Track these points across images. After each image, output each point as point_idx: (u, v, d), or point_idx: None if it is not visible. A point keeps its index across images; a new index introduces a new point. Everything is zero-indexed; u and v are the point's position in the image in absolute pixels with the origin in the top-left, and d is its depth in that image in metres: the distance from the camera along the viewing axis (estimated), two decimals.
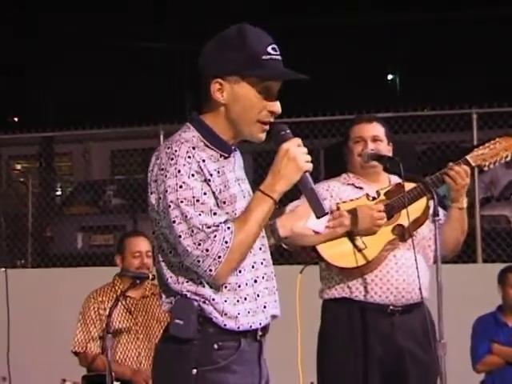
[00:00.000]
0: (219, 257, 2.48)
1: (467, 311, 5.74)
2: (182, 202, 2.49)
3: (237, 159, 2.70)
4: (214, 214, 2.50)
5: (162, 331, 2.69)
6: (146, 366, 4.84)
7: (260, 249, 2.65)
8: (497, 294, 5.58)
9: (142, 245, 4.99)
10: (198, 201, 2.49)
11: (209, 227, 2.48)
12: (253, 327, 2.59)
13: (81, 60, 17.83)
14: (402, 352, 3.80)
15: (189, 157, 2.51)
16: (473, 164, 3.83)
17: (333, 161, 4.28)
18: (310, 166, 2.54)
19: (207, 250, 2.47)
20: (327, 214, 2.58)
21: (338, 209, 3.47)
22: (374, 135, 3.93)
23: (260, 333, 2.63)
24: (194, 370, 2.52)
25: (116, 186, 11.11)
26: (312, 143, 10.01)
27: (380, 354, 3.79)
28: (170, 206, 2.50)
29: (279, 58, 2.60)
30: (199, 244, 2.48)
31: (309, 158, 2.53)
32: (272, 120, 2.61)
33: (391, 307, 3.81)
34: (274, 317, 2.67)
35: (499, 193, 10.11)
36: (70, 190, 12.66)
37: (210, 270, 2.48)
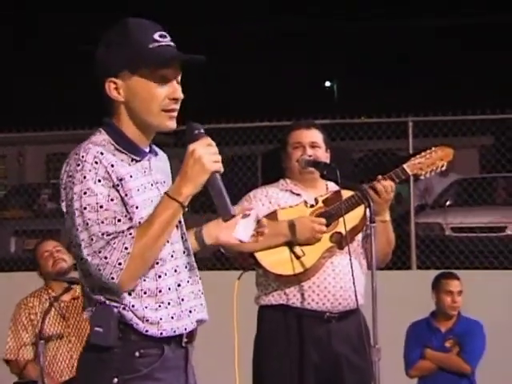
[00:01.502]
0: (120, 264, 2.43)
1: (401, 317, 5.80)
2: (85, 208, 2.45)
3: (155, 162, 2.64)
4: (119, 220, 2.46)
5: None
6: None
7: (184, 252, 2.61)
8: (431, 300, 5.66)
9: (47, 244, 5.00)
10: (101, 207, 2.45)
11: (109, 235, 2.44)
12: (177, 332, 2.54)
13: (17, 60, 17.62)
14: (338, 358, 3.83)
15: (96, 162, 2.47)
16: (410, 173, 3.87)
17: (270, 166, 4.29)
18: (218, 167, 2.46)
19: (106, 258, 2.43)
20: (233, 216, 2.51)
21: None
22: (312, 141, 3.95)
23: (185, 339, 2.57)
24: (115, 379, 2.47)
25: (51, 190, 10.99)
26: (250, 149, 10.05)
27: (316, 361, 3.81)
28: (75, 214, 2.47)
29: (170, 43, 2.55)
30: (99, 252, 2.44)
31: (218, 158, 2.46)
32: (177, 107, 2.56)
33: (328, 314, 3.82)
34: (200, 321, 2.62)
35: (433, 201, 10.27)
36: (3, 194, 12.47)
37: (112, 278, 2.43)
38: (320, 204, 3.88)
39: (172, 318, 2.53)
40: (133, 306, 2.49)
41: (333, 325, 3.83)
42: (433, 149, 3.93)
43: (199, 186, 2.48)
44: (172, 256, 2.56)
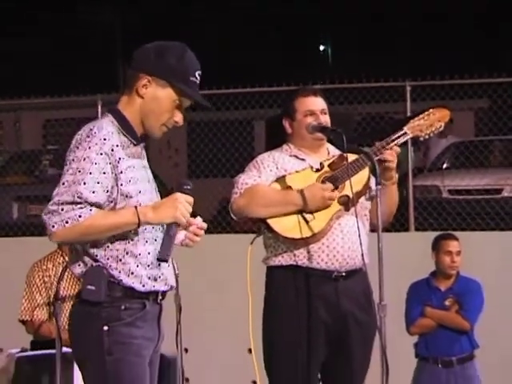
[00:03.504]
0: (67, 222, 2.85)
1: (400, 277, 5.94)
2: (79, 171, 2.88)
3: (143, 149, 3.09)
4: (93, 192, 2.88)
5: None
6: None
7: (163, 226, 3.00)
8: (428, 261, 5.79)
9: None
10: (90, 173, 2.88)
11: (80, 197, 2.86)
12: (155, 288, 3.00)
13: (17, 25, 17.55)
14: (345, 315, 3.95)
15: (104, 139, 2.91)
16: (410, 135, 3.98)
17: (275, 132, 4.39)
18: (182, 221, 2.93)
19: (62, 210, 2.85)
20: (166, 261, 2.96)
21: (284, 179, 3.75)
22: (322, 108, 4.05)
23: (161, 297, 3.05)
24: (105, 327, 2.91)
25: (52, 156, 11.05)
26: (245, 114, 10.12)
27: (325, 318, 3.93)
28: (68, 171, 2.90)
29: (198, 83, 3.06)
30: (62, 203, 2.86)
31: (187, 216, 2.94)
32: (171, 127, 3.05)
33: (336, 273, 3.94)
34: (171, 288, 3.10)
35: (431, 163, 10.38)
36: (3, 160, 12.51)
37: (53, 226, 2.85)
38: (326, 168, 3.97)
39: (149, 278, 2.98)
40: (120, 260, 2.93)
41: (340, 283, 3.95)
42: (430, 110, 4.03)
43: (160, 223, 2.95)
44: (153, 228, 3.01)
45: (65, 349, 4.28)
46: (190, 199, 2.96)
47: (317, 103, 4.05)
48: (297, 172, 3.99)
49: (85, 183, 2.86)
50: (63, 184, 2.88)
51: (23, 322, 5.09)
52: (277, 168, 4.01)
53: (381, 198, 3.76)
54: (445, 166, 9.96)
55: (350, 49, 20.18)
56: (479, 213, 8.38)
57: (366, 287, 3.79)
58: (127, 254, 2.95)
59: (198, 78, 3.05)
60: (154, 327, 3.05)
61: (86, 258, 2.95)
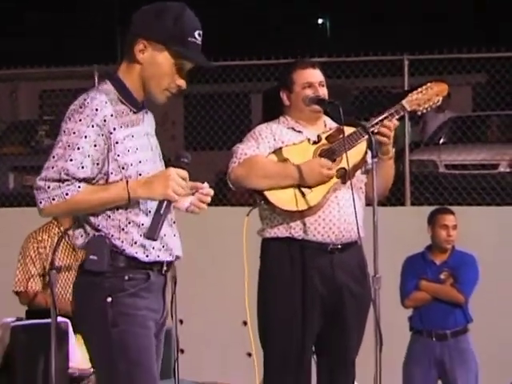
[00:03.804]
0: (53, 199, 2.82)
1: (396, 251, 5.95)
2: (68, 145, 2.82)
3: (147, 117, 3.01)
4: (82, 167, 2.82)
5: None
6: None
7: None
8: (423, 235, 5.81)
9: None
10: (78, 148, 2.82)
11: (67, 174, 2.81)
12: (160, 259, 2.93)
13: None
14: (341, 288, 3.96)
15: (96, 109, 2.83)
16: (408, 109, 3.98)
17: (271, 104, 4.38)
18: (174, 199, 2.83)
19: (48, 188, 2.81)
20: (155, 240, 2.85)
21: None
22: (320, 81, 4.04)
23: (165, 268, 2.97)
24: (109, 298, 2.86)
25: (49, 127, 11.03)
26: (246, 87, 10.10)
27: (320, 290, 3.93)
28: (58, 144, 2.84)
29: (200, 43, 2.93)
30: (48, 180, 2.81)
31: (181, 192, 2.84)
32: (176, 92, 2.95)
33: (331, 246, 3.95)
34: (178, 257, 3.01)
35: (428, 138, 10.38)
36: (0, 130, 12.49)
37: (40, 203, 2.83)
38: (323, 141, 3.97)
39: (153, 248, 2.91)
40: (123, 229, 2.87)
41: (336, 256, 3.96)
42: (428, 84, 4.02)
43: (150, 198, 2.87)
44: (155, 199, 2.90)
45: (60, 318, 4.31)
46: (184, 173, 2.87)
47: (315, 75, 4.04)
48: (294, 144, 3.99)
49: (71, 160, 2.80)
50: (53, 157, 2.83)
51: (17, 293, 5.11)
52: (274, 140, 4.01)
53: (377, 172, 3.75)
54: (442, 140, 9.97)
55: (349, 22, 20.11)
56: (475, 188, 8.40)
57: (361, 260, 3.81)
58: (129, 223, 2.89)
59: (199, 37, 2.92)
60: (159, 298, 2.99)
61: (88, 228, 2.90)
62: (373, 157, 3.76)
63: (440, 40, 11.03)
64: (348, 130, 3.90)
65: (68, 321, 4.45)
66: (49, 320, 4.20)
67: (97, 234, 2.87)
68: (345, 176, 3.91)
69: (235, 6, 19.78)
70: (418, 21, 18.96)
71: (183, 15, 2.89)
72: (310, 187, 3.90)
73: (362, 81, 9.56)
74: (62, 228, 5.02)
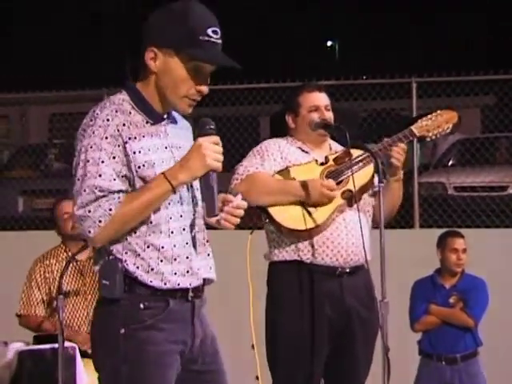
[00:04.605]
0: (100, 221, 2.61)
1: (405, 275, 5.93)
2: (88, 161, 2.63)
3: (173, 128, 2.77)
4: (114, 179, 2.63)
5: None
6: None
7: (193, 214, 2.76)
8: (432, 258, 5.78)
9: (68, 206, 4.90)
10: (102, 162, 2.62)
11: (101, 191, 2.61)
12: (181, 286, 2.70)
13: (20, 19, 17.55)
14: (350, 312, 3.94)
15: (107, 119, 2.63)
16: (417, 134, 3.99)
17: (278, 127, 4.39)
18: (217, 166, 2.62)
19: (89, 212, 2.61)
20: (217, 215, 2.67)
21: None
22: (327, 104, 4.06)
23: (191, 293, 2.73)
24: (122, 330, 2.65)
25: (58, 150, 11.08)
26: (255, 110, 10.12)
27: (329, 314, 3.91)
28: (79, 165, 2.65)
29: (218, 41, 2.67)
30: (86, 205, 2.61)
31: (220, 158, 2.62)
32: (199, 98, 2.72)
33: (340, 269, 3.94)
34: (209, 280, 2.79)
35: (436, 160, 10.37)
36: (10, 154, 12.56)
37: (89, 232, 2.62)
38: (331, 162, 3.98)
39: (175, 273, 2.68)
40: (138, 254, 2.66)
41: (344, 279, 3.94)
42: (438, 112, 4.04)
43: (195, 178, 2.65)
44: (181, 216, 2.71)
45: (67, 343, 4.30)
46: (215, 139, 2.63)
47: (321, 99, 4.05)
48: (301, 164, 3.99)
49: (100, 175, 2.61)
50: (78, 180, 2.63)
51: (19, 316, 5.10)
52: (281, 158, 4.00)
53: (384, 195, 3.74)
54: (450, 162, 9.96)
55: (357, 45, 20.17)
56: (484, 210, 8.38)
57: (368, 283, 3.79)
58: (148, 247, 2.66)
59: (214, 35, 2.64)
60: (187, 328, 2.73)
61: (104, 253, 2.69)
62: (379, 181, 3.76)
63: (448, 62, 11.05)
64: (356, 153, 3.91)
65: (76, 346, 4.45)
66: (56, 345, 4.18)
67: (111, 257, 2.68)
68: (351, 199, 3.91)
69: (243, 29, 19.87)
70: (426, 44, 19.01)
71: (188, 13, 2.64)
72: (313, 206, 3.89)
73: (370, 103, 9.57)
74: (70, 253, 5.02)
